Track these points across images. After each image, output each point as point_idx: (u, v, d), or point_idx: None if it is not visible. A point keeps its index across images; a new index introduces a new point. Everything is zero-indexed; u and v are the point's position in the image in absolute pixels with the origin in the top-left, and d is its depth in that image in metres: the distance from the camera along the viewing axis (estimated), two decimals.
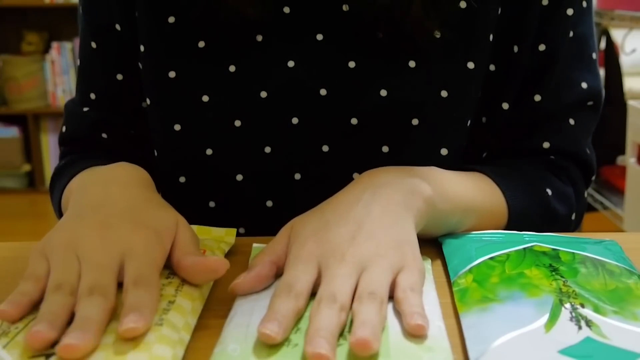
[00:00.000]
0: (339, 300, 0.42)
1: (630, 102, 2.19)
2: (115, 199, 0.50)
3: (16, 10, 3.25)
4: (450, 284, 0.49)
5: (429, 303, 0.45)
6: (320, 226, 0.48)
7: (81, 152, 0.72)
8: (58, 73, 3.25)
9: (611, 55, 2.20)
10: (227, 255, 0.55)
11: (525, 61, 0.65)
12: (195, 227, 0.57)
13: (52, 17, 3.29)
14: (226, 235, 0.57)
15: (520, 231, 0.57)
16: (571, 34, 0.65)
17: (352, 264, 0.45)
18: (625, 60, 2.31)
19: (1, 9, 3.18)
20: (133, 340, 0.39)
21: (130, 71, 0.68)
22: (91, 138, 0.72)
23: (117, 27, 0.67)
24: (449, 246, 0.55)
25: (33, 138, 3.29)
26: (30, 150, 3.32)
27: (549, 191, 0.64)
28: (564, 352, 0.38)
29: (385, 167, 0.55)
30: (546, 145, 0.67)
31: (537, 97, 0.66)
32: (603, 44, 2.20)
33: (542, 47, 0.65)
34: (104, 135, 0.71)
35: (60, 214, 0.68)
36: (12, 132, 3.27)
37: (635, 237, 0.58)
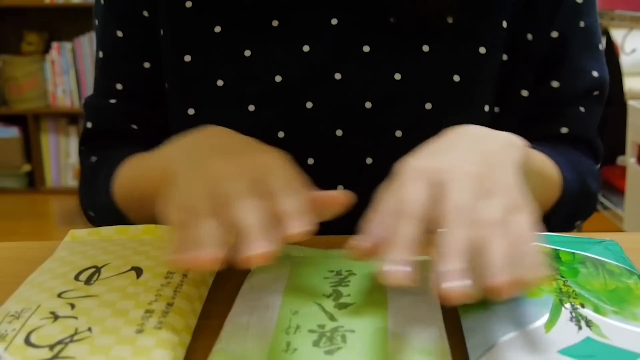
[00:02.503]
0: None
1: (630, 102, 2.19)
2: (225, 142, 0.49)
3: (16, 10, 3.25)
4: None
5: (429, 303, 0.45)
6: (431, 154, 0.46)
7: (110, 148, 0.70)
8: (58, 73, 3.25)
9: (611, 55, 2.20)
10: None
11: (539, 48, 0.66)
12: None
13: (52, 17, 3.29)
14: None
15: (561, 207, 0.58)
16: (582, 24, 0.67)
17: (474, 183, 0.42)
18: (625, 60, 2.31)
19: (1, 9, 3.18)
20: (133, 345, 0.39)
21: (156, 58, 0.68)
22: (121, 130, 0.70)
23: (145, 13, 0.67)
24: None
25: (33, 138, 3.29)
26: (30, 150, 3.32)
27: (584, 167, 0.66)
28: (564, 352, 0.38)
29: (465, 125, 0.52)
30: (564, 130, 0.68)
31: (555, 83, 0.67)
32: (603, 44, 2.20)
33: (554, 34, 0.66)
34: (134, 127, 0.70)
35: (102, 204, 0.65)
36: (12, 132, 3.27)
37: (635, 237, 0.58)
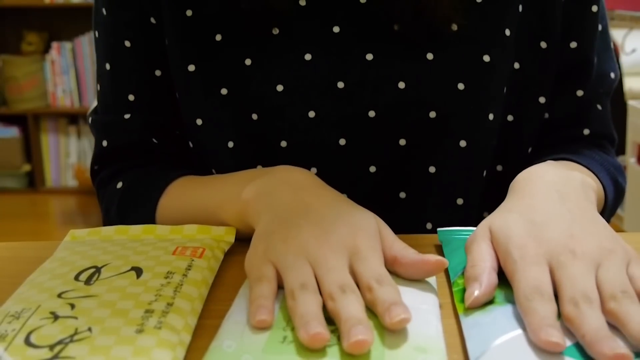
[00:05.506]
0: (594, 300, 0.41)
1: (630, 102, 2.19)
2: (316, 204, 0.50)
3: (16, 10, 3.26)
4: (450, 284, 0.49)
5: (428, 303, 0.45)
6: (530, 227, 0.47)
7: (135, 168, 0.69)
8: (58, 73, 3.26)
9: None
10: (227, 255, 0.55)
11: (555, 57, 0.66)
12: (195, 227, 0.57)
13: (52, 17, 3.30)
14: (226, 235, 0.57)
15: (603, 215, 0.60)
16: (600, 27, 0.68)
17: (586, 260, 0.43)
18: (625, 60, 2.31)
19: (1, 9, 3.19)
20: (133, 345, 0.39)
21: (166, 66, 0.67)
22: (142, 144, 0.69)
23: (152, 20, 0.66)
24: (449, 246, 0.55)
25: (33, 138, 3.29)
26: (30, 150, 3.32)
27: (613, 166, 0.67)
28: (564, 351, 0.38)
29: (537, 165, 0.56)
30: (586, 132, 0.70)
31: (580, 92, 0.69)
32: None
33: (573, 45, 0.67)
34: (154, 140, 0.69)
35: (143, 221, 0.63)
36: (12, 132, 3.27)
37: (635, 237, 0.58)
